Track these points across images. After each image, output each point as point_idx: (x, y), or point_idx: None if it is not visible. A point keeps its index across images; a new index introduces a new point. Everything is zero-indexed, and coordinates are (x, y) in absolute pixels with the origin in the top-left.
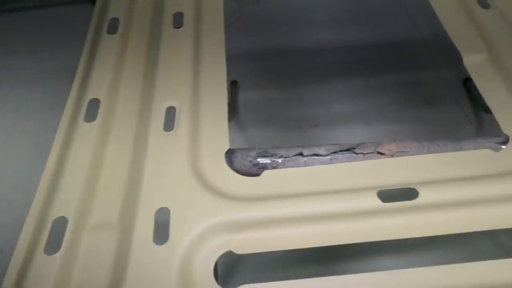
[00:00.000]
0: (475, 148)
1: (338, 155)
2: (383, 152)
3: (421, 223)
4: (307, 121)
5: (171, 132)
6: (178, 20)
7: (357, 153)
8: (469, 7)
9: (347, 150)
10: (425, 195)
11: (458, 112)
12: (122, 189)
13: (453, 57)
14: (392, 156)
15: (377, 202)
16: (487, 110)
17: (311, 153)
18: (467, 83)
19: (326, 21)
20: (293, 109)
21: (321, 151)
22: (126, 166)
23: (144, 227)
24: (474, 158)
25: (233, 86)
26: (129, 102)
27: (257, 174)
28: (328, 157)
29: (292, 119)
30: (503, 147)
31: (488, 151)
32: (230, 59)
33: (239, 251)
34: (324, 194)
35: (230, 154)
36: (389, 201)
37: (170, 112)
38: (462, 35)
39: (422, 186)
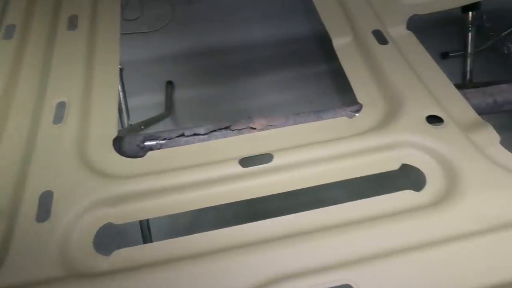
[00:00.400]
0: (333, 117)
1: (216, 133)
2: (254, 127)
3: (276, 181)
4: (241, 114)
5: (60, 124)
6: (73, 22)
7: (232, 130)
8: None
9: (224, 128)
10: (278, 159)
11: None
12: (12, 178)
13: None
14: (262, 129)
15: (238, 169)
16: None
17: (192, 133)
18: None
19: (256, 18)
20: (228, 104)
21: (201, 130)
22: (17, 158)
23: (29, 208)
24: (331, 125)
25: (168, 87)
26: (22, 102)
27: (143, 156)
28: (207, 135)
29: (227, 113)
30: (356, 114)
31: (344, 118)
32: (166, 60)
33: (118, 222)
34: (197, 166)
35: (118, 141)
36: (247, 166)
37: (61, 107)
38: (332, 21)
39: (278, 152)
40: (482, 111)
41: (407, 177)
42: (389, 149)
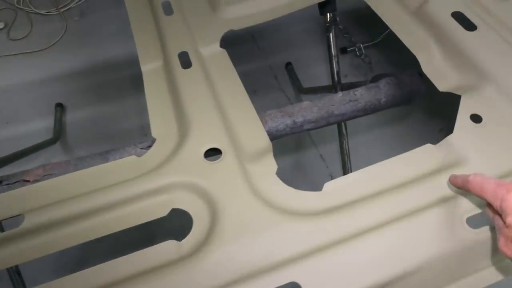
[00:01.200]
0: (121, 157)
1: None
2: (28, 179)
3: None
4: (137, 132)
5: None
6: None
7: (3, 185)
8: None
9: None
10: (31, 219)
11: (282, 98)
12: None
13: (275, 44)
14: (38, 180)
15: None
16: (303, 91)
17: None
18: (288, 67)
19: None
20: (123, 122)
21: None
22: None
23: None
24: (119, 167)
25: (57, 110)
26: None
27: None
28: None
29: (123, 132)
30: (146, 151)
31: (133, 158)
32: (57, 80)
33: None
34: None
35: None
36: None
37: None
38: (144, 44)
39: (30, 212)
40: (281, 133)
41: (180, 223)
42: (161, 193)
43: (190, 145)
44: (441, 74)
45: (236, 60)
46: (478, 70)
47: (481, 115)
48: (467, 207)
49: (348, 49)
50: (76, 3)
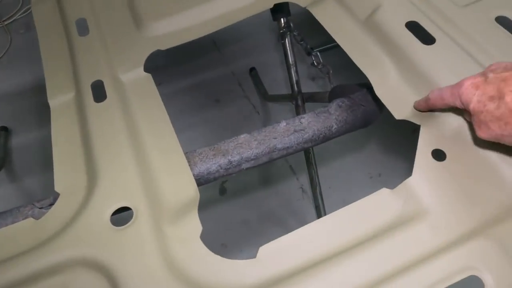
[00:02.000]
0: (14, 222)
1: None
2: None
3: None
4: None
5: None
6: None
7: None
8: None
9: None
10: None
11: (246, 106)
12: None
13: (238, 48)
14: None
15: None
16: (268, 98)
17: None
18: (252, 72)
19: None
20: None
21: None
22: None
23: None
24: (11, 234)
25: (1, 134)
26: None
27: None
28: None
29: None
30: (47, 211)
31: (30, 221)
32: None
33: None
34: None
35: None
36: None
37: None
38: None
39: None
40: (214, 176)
41: None
42: (55, 273)
43: (94, 205)
44: (398, 98)
45: (197, 68)
46: None
47: (444, 150)
48: (431, 280)
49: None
50: (21, 14)
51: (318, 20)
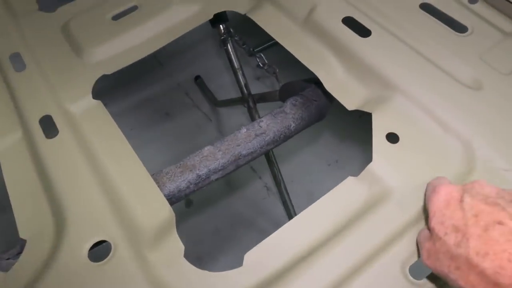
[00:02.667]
0: None
1: None
2: None
3: None
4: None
5: None
6: None
7: None
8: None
9: None
10: None
11: (198, 114)
12: None
13: (180, 58)
14: None
15: None
16: (218, 104)
17: None
18: (198, 80)
19: None
20: None
21: None
22: None
23: None
24: None
25: None
26: None
27: None
28: None
29: None
30: (16, 261)
31: None
32: None
33: None
34: None
35: None
36: None
37: None
38: None
39: None
40: (185, 192)
41: None
42: None
43: (68, 243)
44: (347, 90)
45: (141, 85)
46: (382, 80)
47: (397, 132)
48: (407, 253)
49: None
50: None
51: (260, 25)
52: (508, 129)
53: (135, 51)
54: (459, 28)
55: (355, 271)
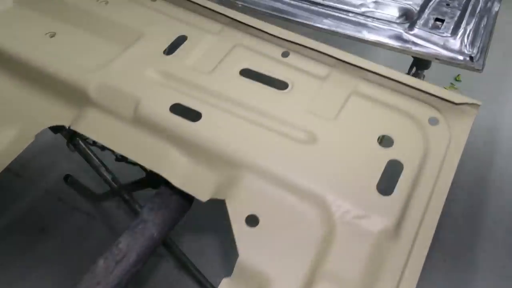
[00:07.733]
0: None
1: None
2: None
3: None
4: None
5: None
6: None
7: None
8: None
9: None
10: None
11: (80, 218)
12: None
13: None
14: None
15: None
16: (100, 198)
17: None
18: (69, 179)
19: None
20: None
21: None
22: None
23: None
24: None
25: None
26: None
27: None
28: None
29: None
30: None
31: None
32: None
33: None
34: None
35: None
36: None
37: None
38: None
39: None
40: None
41: None
42: None
43: None
44: (196, 180)
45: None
46: (226, 159)
47: (255, 213)
48: None
49: None
50: None
51: (88, 136)
52: (348, 171)
53: None
54: (280, 85)
55: None
